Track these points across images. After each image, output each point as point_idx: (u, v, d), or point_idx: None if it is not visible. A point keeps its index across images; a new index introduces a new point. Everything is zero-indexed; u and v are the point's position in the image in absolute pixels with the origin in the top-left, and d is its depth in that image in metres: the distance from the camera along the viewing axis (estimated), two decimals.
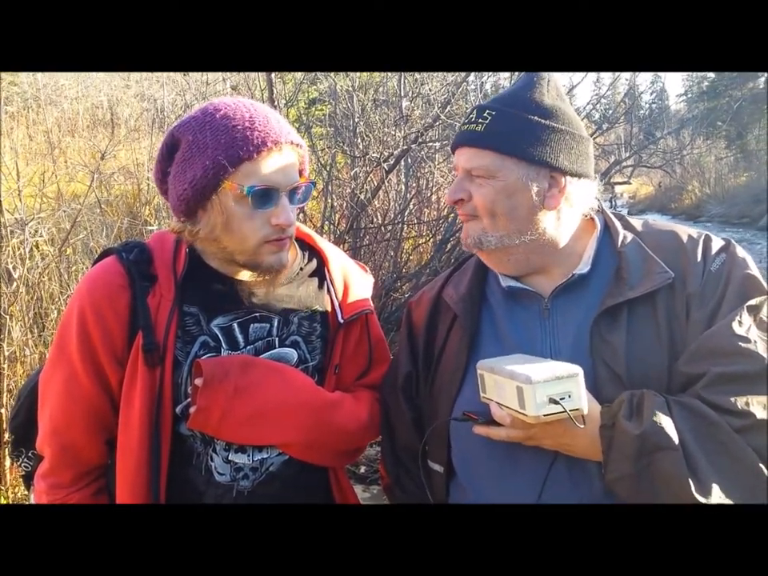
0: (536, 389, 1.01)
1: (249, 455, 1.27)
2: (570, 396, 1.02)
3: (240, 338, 1.27)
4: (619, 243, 1.20)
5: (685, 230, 1.22)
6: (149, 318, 1.21)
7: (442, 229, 5.53)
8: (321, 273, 1.40)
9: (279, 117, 1.24)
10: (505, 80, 6.90)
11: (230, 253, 1.23)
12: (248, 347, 1.28)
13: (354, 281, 1.42)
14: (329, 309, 1.37)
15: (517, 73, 4.80)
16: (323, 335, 1.37)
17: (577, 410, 1.03)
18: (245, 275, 1.29)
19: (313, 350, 1.35)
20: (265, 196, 1.18)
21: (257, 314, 1.29)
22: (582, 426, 1.04)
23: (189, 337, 1.25)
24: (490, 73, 6.52)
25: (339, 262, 1.43)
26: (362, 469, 3.84)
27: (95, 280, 1.26)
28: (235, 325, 1.27)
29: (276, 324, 1.31)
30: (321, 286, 1.39)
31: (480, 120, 1.19)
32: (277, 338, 1.31)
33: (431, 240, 5.63)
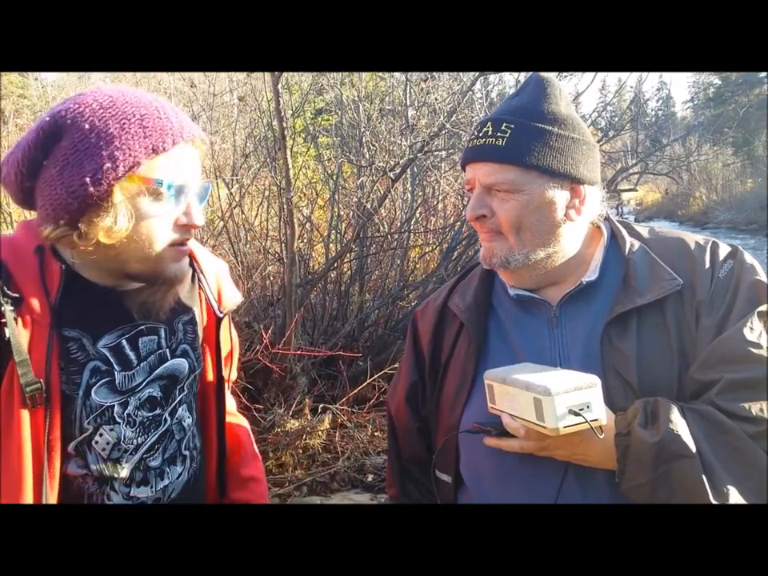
0: (556, 400, 0.98)
1: (151, 486, 1.16)
2: (588, 407, 1.00)
3: (131, 355, 1.13)
4: (627, 251, 1.19)
5: (692, 237, 1.21)
6: (22, 351, 1.00)
7: (448, 237, 5.53)
8: (191, 267, 1.25)
9: (179, 111, 1.13)
10: (511, 88, 6.91)
11: (123, 261, 1.07)
12: (141, 364, 1.14)
13: (221, 269, 1.32)
14: (204, 306, 1.26)
15: (521, 75, 4.80)
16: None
17: (596, 420, 1.01)
18: (131, 285, 1.13)
19: (198, 357, 1.25)
20: (179, 192, 1.07)
21: (142, 327, 1.15)
22: (602, 437, 1.03)
23: (75, 366, 1.06)
24: (496, 82, 6.54)
25: (201, 251, 1.29)
26: (370, 477, 3.81)
27: None
28: (124, 342, 1.12)
29: (163, 334, 1.18)
30: (192, 281, 1.25)
31: (499, 134, 1.15)
32: (168, 350, 1.18)
33: (438, 248, 5.63)
